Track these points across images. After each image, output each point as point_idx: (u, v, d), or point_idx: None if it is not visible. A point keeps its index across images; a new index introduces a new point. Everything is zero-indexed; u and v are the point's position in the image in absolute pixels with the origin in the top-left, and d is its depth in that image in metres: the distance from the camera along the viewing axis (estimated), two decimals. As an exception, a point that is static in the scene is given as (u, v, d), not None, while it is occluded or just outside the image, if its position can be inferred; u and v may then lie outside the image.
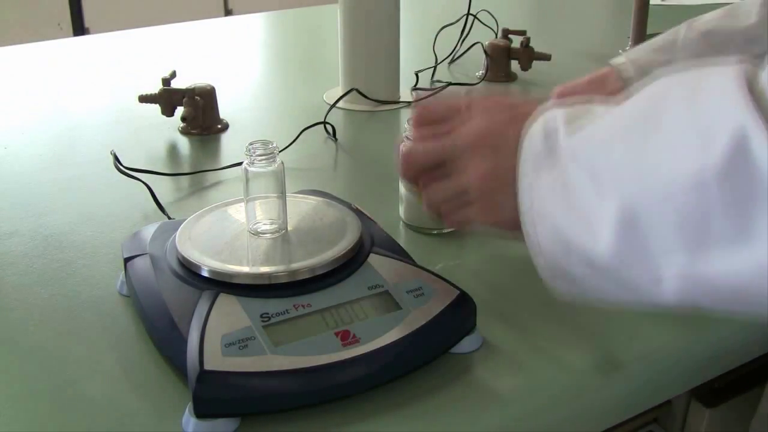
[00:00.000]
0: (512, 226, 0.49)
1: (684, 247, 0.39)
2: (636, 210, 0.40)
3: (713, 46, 0.73)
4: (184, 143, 0.91)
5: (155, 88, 0.91)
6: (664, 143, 0.40)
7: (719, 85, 0.38)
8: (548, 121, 0.47)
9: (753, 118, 0.36)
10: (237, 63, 1.25)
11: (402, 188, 0.69)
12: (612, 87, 0.75)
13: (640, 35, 1.16)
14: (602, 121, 0.44)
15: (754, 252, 0.37)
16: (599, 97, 0.48)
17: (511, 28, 1.16)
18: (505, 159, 0.49)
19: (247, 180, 0.55)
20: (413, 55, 1.16)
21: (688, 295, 0.40)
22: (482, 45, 1.14)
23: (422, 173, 0.55)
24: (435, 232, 0.68)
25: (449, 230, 0.68)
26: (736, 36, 0.74)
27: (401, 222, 0.70)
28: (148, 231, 0.59)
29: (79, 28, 2.75)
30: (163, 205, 0.73)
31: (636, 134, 0.41)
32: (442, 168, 0.53)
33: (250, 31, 1.51)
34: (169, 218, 0.70)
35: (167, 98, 0.91)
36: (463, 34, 1.19)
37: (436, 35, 1.19)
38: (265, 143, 0.54)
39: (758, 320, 0.40)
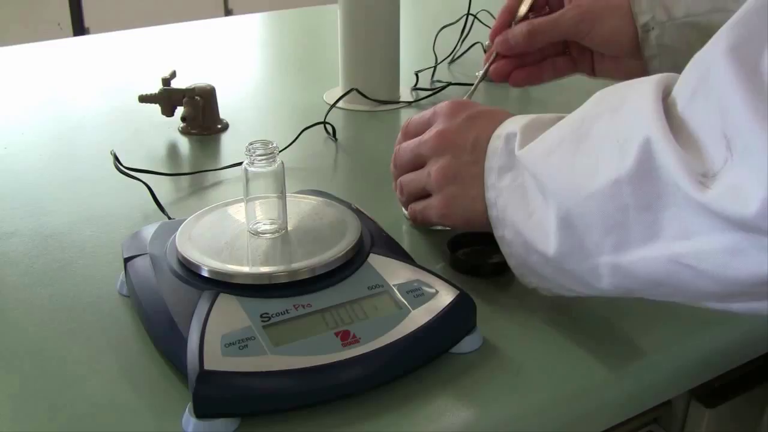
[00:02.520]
0: (464, 224, 0.57)
1: (609, 245, 0.44)
2: (570, 213, 0.45)
3: None
4: (184, 143, 0.91)
5: (155, 88, 0.91)
6: (590, 152, 0.44)
7: (638, 98, 0.42)
8: (509, 136, 0.53)
9: (657, 127, 0.40)
10: (237, 63, 1.25)
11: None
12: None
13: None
14: (547, 134, 0.49)
15: (664, 246, 0.41)
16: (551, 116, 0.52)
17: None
18: (461, 157, 0.55)
19: (247, 180, 0.55)
20: (413, 55, 1.16)
21: (621, 285, 0.46)
22: (482, 45, 1.14)
23: (403, 172, 0.62)
24: (439, 228, 0.68)
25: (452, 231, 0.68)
26: None
27: (402, 222, 0.70)
28: (148, 231, 0.59)
29: (79, 28, 2.76)
30: (163, 205, 0.73)
31: (569, 144, 0.46)
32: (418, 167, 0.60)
33: (250, 31, 1.51)
34: (169, 218, 0.70)
35: (167, 98, 0.91)
36: (463, 34, 1.19)
37: (436, 35, 1.19)
38: (265, 143, 0.54)
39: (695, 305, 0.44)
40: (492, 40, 0.75)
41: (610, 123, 0.44)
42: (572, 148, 0.46)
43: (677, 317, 0.57)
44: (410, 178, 0.61)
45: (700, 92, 0.39)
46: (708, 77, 0.38)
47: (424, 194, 0.60)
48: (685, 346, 0.55)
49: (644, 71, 0.69)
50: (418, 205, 0.61)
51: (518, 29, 0.72)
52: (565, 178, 0.46)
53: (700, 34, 0.67)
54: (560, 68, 0.76)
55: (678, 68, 0.43)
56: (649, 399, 0.55)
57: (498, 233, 0.53)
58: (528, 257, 0.51)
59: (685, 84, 0.41)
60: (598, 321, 0.57)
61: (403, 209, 0.66)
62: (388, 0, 0.98)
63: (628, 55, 0.70)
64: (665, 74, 0.44)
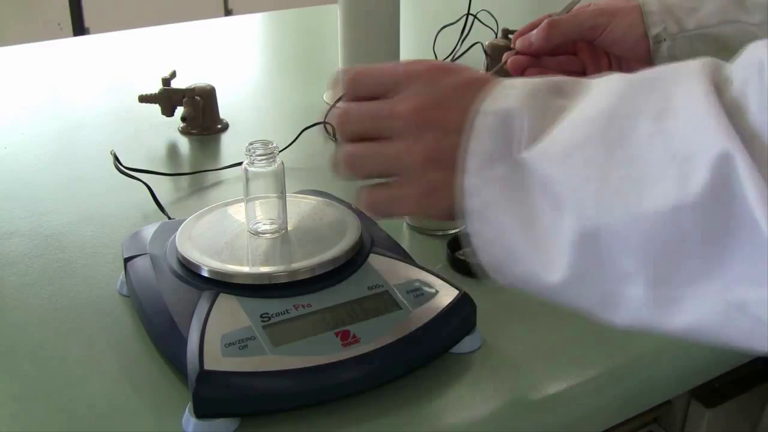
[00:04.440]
0: (447, 218, 0.45)
1: (646, 277, 0.36)
2: (598, 232, 0.37)
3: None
4: (184, 143, 0.91)
5: (155, 88, 0.91)
6: (631, 164, 0.36)
7: (688, 101, 0.36)
8: (511, 118, 0.41)
9: (735, 145, 0.33)
10: (237, 63, 1.25)
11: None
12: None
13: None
14: (561, 127, 0.40)
15: (724, 287, 0.34)
16: (563, 79, 0.44)
17: (511, 28, 1.16)
18: (446, 137, 0.44)
19: (247, 180, 0.55)
20: (413, 55, 1.16)
21: (641, 324, 0.38)
22: (482, 45, 1.14)
23: (358, 139, 0.47)
24: (439, 233, 0.68)
25: (453, 231, 0.68)
26: None
27: (404, 223, 0.70)
28: (148, 231, 0.59)
29: (79, 28, 2.75)
30: (163, 205, 0.73)
31: (596, 149, 0.38)
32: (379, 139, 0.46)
33: (250, 31, 1.51)
34: (169, 218, 0.70)
35: (167, 98, 0.91)
36: (463, 34, 1.19)
37: (436, 35, 1.19)
38: (265, 143, 0.54)
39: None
40: (515, 41, 0.76)
41: (655, 131, 0.36)
42: (602, 156, 0.37)
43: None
44: (372, 152, 0.47)
45: None
46: None
47: (385, 175, 0.47)
48: (685, 346, 0.55)
49: None
50: (381, 193, 0.47)
51: (539, 27, 0.73)
52: (595, 191, 0.37)
53: (710, 46, 0.68)
54: None
55: None
56: (649, 399, 0.55)
57: (474, 227, 0.42)
58: (511, 265, 0.42)
59: (759, 93, 0.34)
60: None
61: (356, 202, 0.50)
62: (388, 0, 0.98)
63: (642, 61, 0.71)
64: (708, 62, 0.37)
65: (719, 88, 0.35)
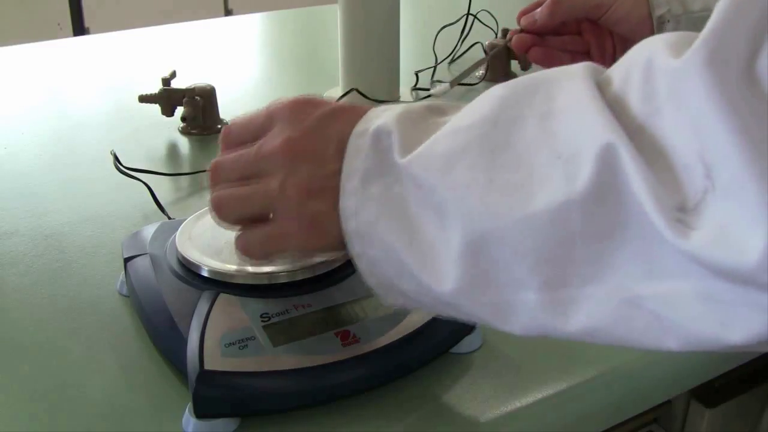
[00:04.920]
0: (335, 248, 0.43)
1: (538, 281, 0.35)
2: (483, 240, 0.36)
3: None
4: (184, 143, 0.91)
5: (155, 88, 0.91)
6: (516, 168, 0.35)
7: (571, 99, 0.35)
8: (380, 134, 0.40)
9: (619, 137, 0.32)
10: (237, 63, 1.25)
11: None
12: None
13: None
14: (439, 138, 0.38)
15: (618, 285, 0.33)
16: (445, 103, 0.43)
17: (511, 28, 1.16)
18: (322, 167, 0.42)
19: None
20: (413, 55, 1.16)
21: (538, 330, 0.37)
22: (482, 45, 1.14)
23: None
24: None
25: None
26: None
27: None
28: (148, 231, 0.59)
29: (79, 28, 2.75)
30: (163, 205, 0.73)
31: (479, 155, 0.36)
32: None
33: (250, 31, 1.51)
34: (169, 218, 0.70)
35: (167, 98, 0.91)
36: (463, 34, 1.19)
37: (436, 35, 1.19)
38: None
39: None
40: (518, 19, 0.76)
41: (539, 132, 0.35)
42: (484, 161, 0.36)
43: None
44: (240, 193, 0.45)
45: (671, 104, 0.32)
46: (679, 90, 0.31)
47: (257, 218, 0.45)
48: (685, 346, 0.55)
49: None
50: (255, 234, 0.45)
51: (543, 4, 0.74)
52: (478, 198, 0.36)
53: None
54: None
55: None
56: (649, 399, 0.55)
57: (355, 249, 0.41)
58: (400, 282, 0.40)
59: (642, 88, 0.33)
60: (598, 321, 0.57)
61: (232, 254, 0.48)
62: (388, 0, 0.98)
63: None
64: (586, 65, 0.36)
65: (601, 87, 0.35)
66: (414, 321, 0.50)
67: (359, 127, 0.41)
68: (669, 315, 0.32)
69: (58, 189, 0.78)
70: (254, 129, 0.46)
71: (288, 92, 1.14)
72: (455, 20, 1.20)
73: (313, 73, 1.19)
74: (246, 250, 0.45)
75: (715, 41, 0.30)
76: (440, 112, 0.42)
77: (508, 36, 0.77)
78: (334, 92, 1.04)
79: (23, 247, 0.67)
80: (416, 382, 0.50)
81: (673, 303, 0.32)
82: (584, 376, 0.52)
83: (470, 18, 1.18)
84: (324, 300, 0.50)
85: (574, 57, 0.76)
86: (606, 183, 0.32)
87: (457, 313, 0.40)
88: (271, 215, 0.44)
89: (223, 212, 0.46)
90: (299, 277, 0.51)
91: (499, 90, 0.38)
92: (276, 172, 0.43)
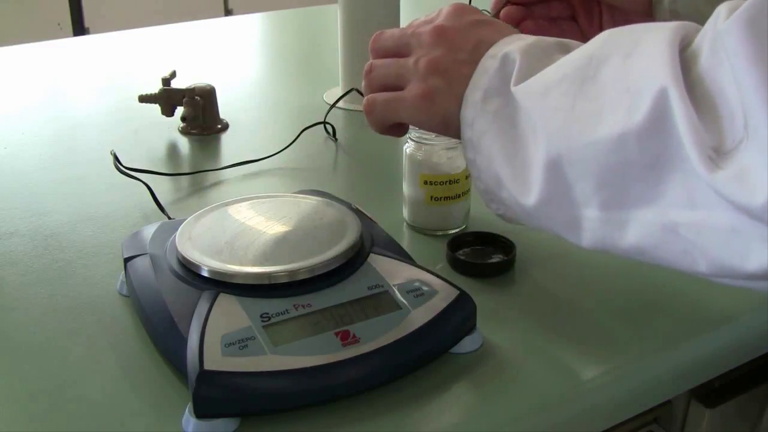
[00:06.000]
0: (438, 125, 0.50)
1: (600, 200, 0.40)
2: (560, 159, 0.41)
3: None
4: (184, 143, 0.91)
5: (155, 88, 0.91)
6: (595, 97, 0.40)
7: (653, 45, 0.39)
8: (506, 60, 0.46)
9: (675, 82, 0.36)
10: (237, 63, 1.25)
11: (405, 189, 0.69)
12: None
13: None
14: (548, 69, 0.44)
15: (662, 211, 0.38)
16: (574, 42, 0.47)
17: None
18: (456, 54, 0.49)
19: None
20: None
21: (602, 243, 0.42)
22: (482, 45, 1.14)
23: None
24: (439, 233, 0.68)
25: (453, 231, 0.68)
26: None
27: (404, 223, 0.70)
28: (148, 231, 0.59)
29: (79, 28, 2.75)
30: (163, 205, 0.73)
31: (570, 84, 0.42)
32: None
33: (250, 31, 1.51)
34: (169, 218, 0.70)
35: (167, 98, 0.91)
36: (463, 34, 1.19)
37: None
38: None
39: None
40: None
41: (620, 68, 0.40)
42: (574, 90, 0.41)
43: (677, 317, 0.57)
44: (386, 64, 0.53)
45: (725, 60, 0.36)
46: (726, 47, 0.35)
47: (395, 86, 0.52)
48: (685, 346, 0.55)
49: None
50: (380, 96, 0.52)
51: None
52: (562, 121, 0.41)
53: (712, 4, 0.66)
54: (566, 33, 0.74)
55: None
56: (649, 399, 0.55)
57: (468, 155, 0.48)
58: (499, 191, 0.47)
59: (709, 45, 0.37)
60: (598, 321, 0.57)
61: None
62: (388, 0, 0.98)
63: (639, 13, 0.68)
64: (684, 23, 0.40)
65: (686, 41, 0.38)
66: (414, 321, 0.50)
67: (494, 50, 0.47)
68: (701, 242, 0.37)
69: (58, 189, 0.78)
70: (406, 34, 0.52)
71: (288, 92, 1.14)
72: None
73: (313, 73, 1.19)
74: (368, 110, 0.53)
75: (754, 7, 0.34)
76: (567, 49, 0.46)
77: (494, 9, 0.75)
78: (334, 92, 1.04)
79: (23, 247, 0.67)
80: (416, 382, 0.50)
81: (705, 231, 0.36)
82: (584, 376, 0.52)
83: (470, 18, 1.18)
84: (324, 300, 0.50)
85: (562, 24, 0.74)
86: (658, 119, 0.36)
87: (539, 225, 0.45)
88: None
89: (370, 78, 0.54)
90: (299, 277, 0.51)
91: (606, 33, 0.43)
92: (418, 49, 0.51)
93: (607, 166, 0.39)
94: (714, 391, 0.64)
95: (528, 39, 0.47)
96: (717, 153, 0.35)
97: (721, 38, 0.35)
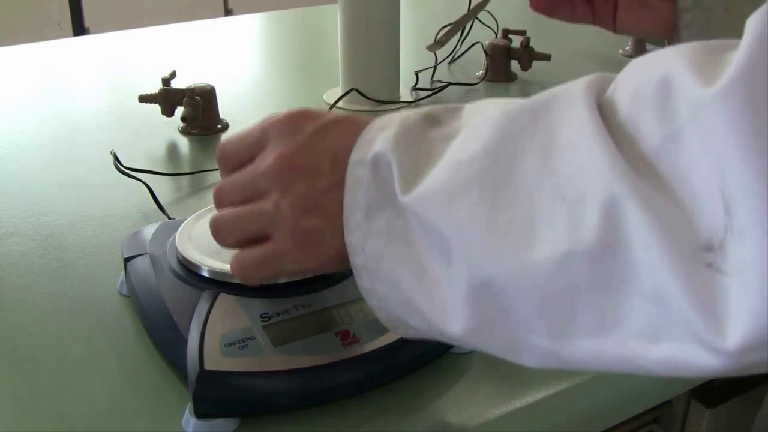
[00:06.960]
0: (335, 267, 0.43)
1: (543, 329, 0.34)
2: (489, 285, 0.35)
3: None
4: (184, 143, 0.91)
5: (155, 88, 0.91)
6: (519, 207, 0.34)
7: (575, 133, 0.33)
8: (378, 164, 0.39)
9: (626, 185, 0.30)
10: (237, 63, 1.25)
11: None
12: None
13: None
14: (441, 168, 0.37)
15: (621, 342, 0.32)
16: (436, 107, 0.41)
17: (511, 28, 1.16)
18: (317, 182, 0.41)
19: None
20: (413, 55, 1.16)
21: (549, 366, 0.36)
22: (482, 45, 1.14)
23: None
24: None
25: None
26: None
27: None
28: (148, 231, 0.59)
29: (79, 28, 2.75)
30: (163, 205, 0.73)
31: (481, 191, 0.35)
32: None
33: (250, 31, 1.51)
34: (169, 218, 0.70)
35: (167, 98, 0.91)
36: (463, 34, 1.19)
37: (437, 35, 1.19)
38: None
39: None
40: None
41: (541, 170, 0.33)
42: (487, 199, 0.34)
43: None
44: (237, 214, 0.44)
45: (692, 131, 0.30)
46: (706, 120, 0.29)
47: (256, 239, 0.43)
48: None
49: (674, 25, 0.60)
50: (250, 254, 0.43)
51: None
52: (482, 240, 0.34)
53: None
54: (578, 13, 0.68)
55: (710, 28, 0.34)
56: (649, 399, 0.55)
57: (364, 284, 0.40)
58: (412, 320, 0.39)
59: (658, 108, 0.31)
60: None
61: (216, 263, 0.51)
62: (388, 0, 0.98)
63: None
64: (588, 83, 0.34)
65: (605, 108, 0.33)
66: (414, 321, 0.50)
67: (357, 154, 0.40)
68: (666, 373, 0.32)
69: (58, 189, 0.78)
70: (250, 146, 0.44)
71: (288, 92, 1.14)
72: (455, 20, 1.20)
73: (313, 73, 1.19)
74: (241, 272, 0.44)
75: (752, 77, 0.28)
76: (438, 122, 0.40)
77: None
78: (334, 92, 1.04)
79: (23, 247, 0.67)
80: (416, 382, 0.50)
81: (674, 367, 0.31)
82: (584, 376, 0.52)
83: (470, 18, 1.18)
84: (324, 300, 0.50)
85: (576, 4, 0.69)
86: (611, 237, 0.31)
87: (469, 348, 0.40)
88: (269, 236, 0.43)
89: (221, 235, 0.45)
90: (299, 277, 0.51)
91: (498, 117, 0.36)
92: (271, 190, 0.42)
93: (550, 292, 0.33)
94: (714, 391, 0.64)
95: (387, 124, 0.40)
96: (710, 251, 0.29)
97: (701, 109, 0.29)
